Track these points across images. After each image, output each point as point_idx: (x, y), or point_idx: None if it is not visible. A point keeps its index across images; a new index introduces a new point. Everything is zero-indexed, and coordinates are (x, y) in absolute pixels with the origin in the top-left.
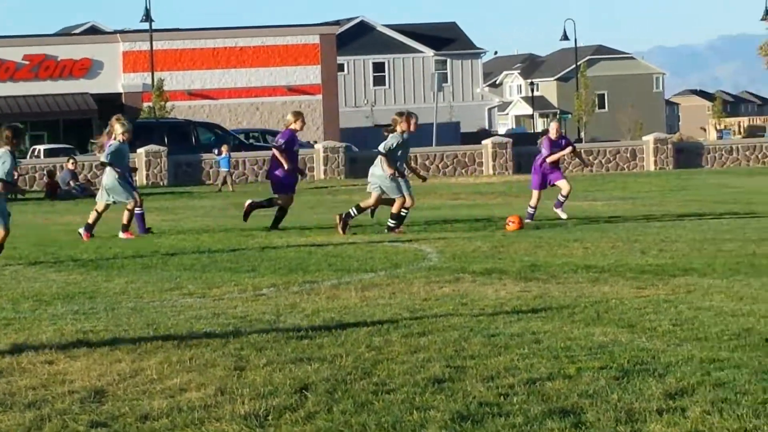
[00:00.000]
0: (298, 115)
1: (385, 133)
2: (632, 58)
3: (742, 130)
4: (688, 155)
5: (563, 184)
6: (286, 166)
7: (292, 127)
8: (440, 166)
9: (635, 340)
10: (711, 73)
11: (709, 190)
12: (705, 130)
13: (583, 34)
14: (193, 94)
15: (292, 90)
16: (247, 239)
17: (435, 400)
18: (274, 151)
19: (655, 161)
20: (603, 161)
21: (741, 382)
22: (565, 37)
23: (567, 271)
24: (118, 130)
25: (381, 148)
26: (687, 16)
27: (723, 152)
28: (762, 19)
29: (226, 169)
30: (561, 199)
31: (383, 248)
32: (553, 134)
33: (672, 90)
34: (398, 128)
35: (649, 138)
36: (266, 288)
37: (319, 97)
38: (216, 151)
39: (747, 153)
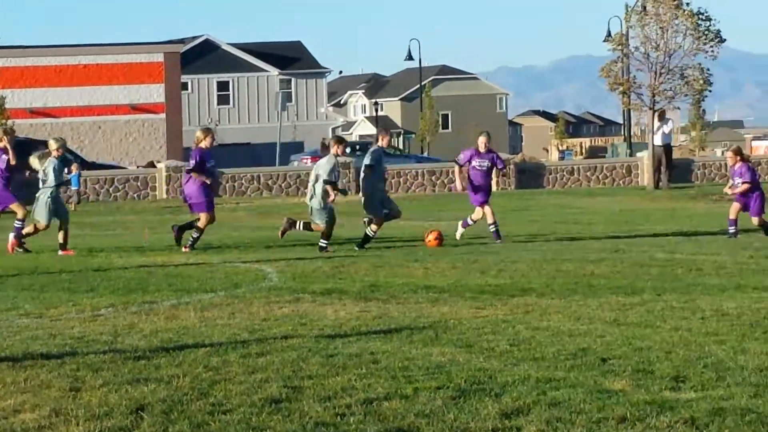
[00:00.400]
0: (207, 131)
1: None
2: (476, 78)
3: (584, 150)
4: (530, 176)
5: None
6: (208, 182)
7: (202, 144)
8: (283, 185)
9: (473, 360)
10: (554, 94)
11: (550, 210)
12: (547, 150)
13: (428, 54)
14: (34, 112)
15: (136, 108)
16: (87, 259)
17: (272, 420)
18: (191, 174)
19: (498, 182)
20: (446, 181)
21: (576, 402)
22: (410, 57)
23: (407, 291)
24: (53, 146)
25: (326, 176)
26: (531, 37)
27: (564, 173)
28: (604, 41)
29: (76, 188)
30: (470, 221)
31: (224, 268)
32: (481, 147)
33: (515, 110)
34: (332, 150)
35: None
36: (104, 308)
37: (163, 115)
38: (66, 170)
39: (588, 174)
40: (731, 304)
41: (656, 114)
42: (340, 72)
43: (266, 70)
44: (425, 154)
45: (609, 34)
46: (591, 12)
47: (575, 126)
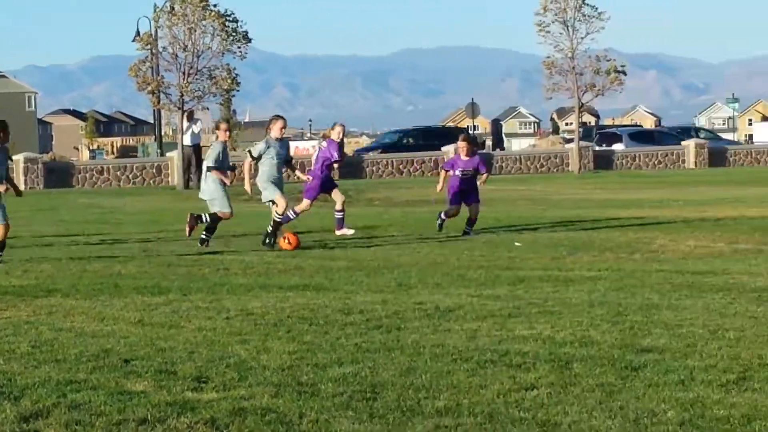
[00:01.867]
0: None
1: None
2: (4, 76)
3: (115, 150)
4: (59, 175)
5: (337, 196)
6: None
7: None
8: None
9: None
10: (84, 93)
11: (79, 210)
12: (78, 149)
13: None
14: None
15: None
16: None
17: None
18: None
19: (26, 180)
20: None
21: (97, 404)
22: None
23: None
24: None
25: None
26: (60, 35)
27: (94, 172)
28: (133, 41)
29: None
30: (338, 216)
31: None
32: (336, 137)
33: (45, 109)
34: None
35: (20, 157)
36: None
37: None
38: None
39: (118, 173)
40: (256, 304)
41: (185, 114)
42: None
43: None
44: None
45: (138, 33)
46: (120, 11)
47: (106, 125)
